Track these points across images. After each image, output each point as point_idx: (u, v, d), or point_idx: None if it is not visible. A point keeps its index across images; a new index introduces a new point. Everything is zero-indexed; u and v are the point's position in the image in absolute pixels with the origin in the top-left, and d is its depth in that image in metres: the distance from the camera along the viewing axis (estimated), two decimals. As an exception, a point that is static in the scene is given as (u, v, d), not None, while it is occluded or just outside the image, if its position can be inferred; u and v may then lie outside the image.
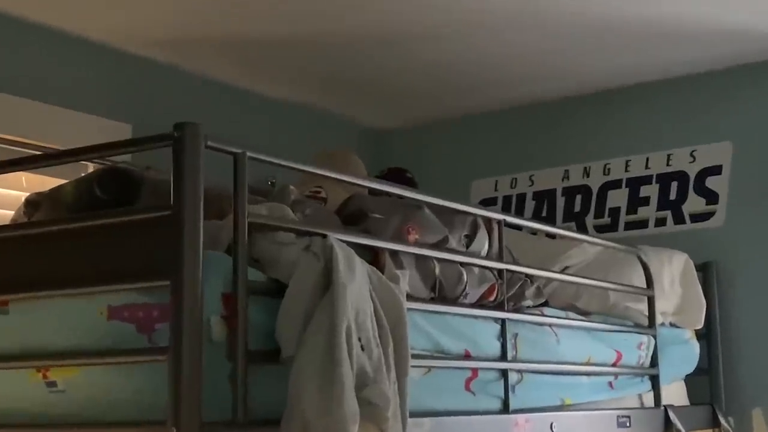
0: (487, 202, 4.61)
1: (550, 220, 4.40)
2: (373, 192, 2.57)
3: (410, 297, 2.22)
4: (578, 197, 4.39)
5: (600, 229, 4.30)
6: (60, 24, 3.46)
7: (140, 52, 3.72)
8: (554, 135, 4.50)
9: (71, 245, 1.87)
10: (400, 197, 2.37)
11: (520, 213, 4.50)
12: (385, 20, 3.54)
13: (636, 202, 4.24)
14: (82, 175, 2.51)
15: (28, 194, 2.45)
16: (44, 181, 3.11)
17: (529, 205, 4.52)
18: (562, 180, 4.44)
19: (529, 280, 2.71)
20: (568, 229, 4.23)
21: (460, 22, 3.56)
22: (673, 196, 4.16)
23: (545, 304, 3.21)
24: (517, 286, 2.64)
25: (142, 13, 3.41)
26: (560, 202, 4.43)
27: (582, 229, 4.33)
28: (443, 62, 3.98)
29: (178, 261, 1.68)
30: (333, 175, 2.14)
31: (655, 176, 4.22)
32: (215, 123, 3.92)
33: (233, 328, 1.77)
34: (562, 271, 3.66)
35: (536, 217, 4.45)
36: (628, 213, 4.26)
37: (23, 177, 3.35)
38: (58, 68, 3.51)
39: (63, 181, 2.42)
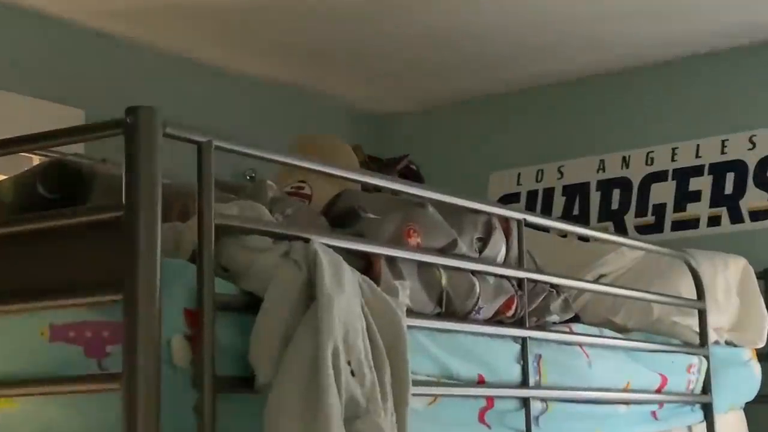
0: (508, 199, 4.62)
1: (583, 220, 4.41)
2: (367, 188, 2.57)
3: (411, 312, 2.21)
4: (616, 192, 4.39)
5: (642, 230, 4.31)
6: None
7: (93, 23, 3.73)
8: (587, 118, 4.50)
9: (5, 253, 1.86)
10: (398, 193, 2.36)
11: (547, 210, 4.51)
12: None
13: (685, 197, 4.25)
14: (24, 169, 2.50)
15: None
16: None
17: (558, 201, 4.52)
18: (597, 171, 4.44)
19: (555, 291, 2.70)
20: (604, 230, 4.23)
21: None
22: (729, 189, 4.16)
23: (575, 319, 3.21)
24: (540, 299, 2.63)
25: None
26: (595, 197, 4.44)
27: (621, 229, 4.34)
28: (453, 31, 3.98)
29: (132, 271, 1.67)
30: (318, 168, 2.13)
31: (707, 166, 4.22)
32: (182, 106, 4.02)
33: (198, 350, 1.77)
34: (596, 281, 3.66)
35: (565, 216, 4.46)
36: (675, 210, 4.26)
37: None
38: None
39: (1, 177, 2.42)
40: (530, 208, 4.56)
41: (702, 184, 4.22)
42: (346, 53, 4.21)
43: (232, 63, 4.21)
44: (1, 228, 1.91)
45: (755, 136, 4.15)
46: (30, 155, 2.96)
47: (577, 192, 4.48)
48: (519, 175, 4.63)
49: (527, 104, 4.65)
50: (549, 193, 4.55)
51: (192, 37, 3.95)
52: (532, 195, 4.59)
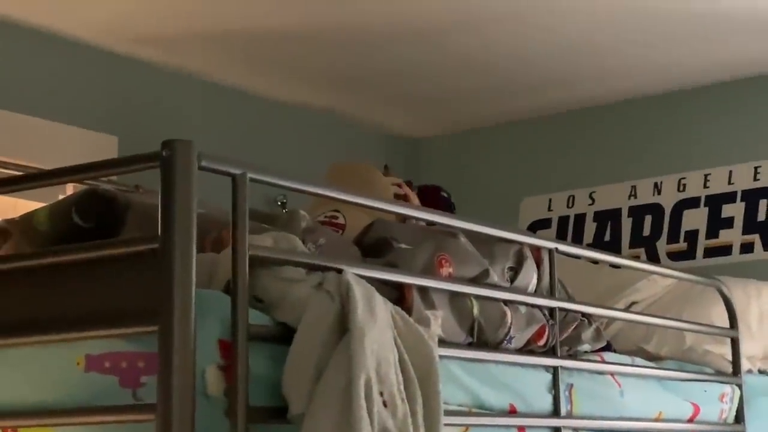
0: (540, 224, 4.62)
1: (614, 246, 4.41)
2: (401, 217, 2.59)
3: (443, 342, 2.23)
4: (648, 218, 4.39)
5: (674, 257, 4.30)
6: (31, 18, 3.51)
7: (126, 50, 3.77)
8: (619, 144, 4.50)
9: (42, 284, 1.89)
10: (432, 223, 2.38)
11: (578, 237, 4.51)
12: (414, 9, 3.57)
13: (717, 224, 4.24)
14: (60, 198, 2.53)
15: (-1, 222, 2.49)
16: (18, 205, 3.16)
17: (589, 227, 4.52)
18: (629, 198, 4.45)
19: (586, 320, 2.71)
20: (636, 257, 4.23)
21: (504, 10, 3.59)
22: (761, 216, 4.16)
23: (607, 347, 3.21)
24: (571, 328, 2.64)
25: (127, 5, 3.46)
26: (626, 224, 4.44)
27: (652, 256, 4.34)
28: (485, 57, 4.01)
29: (167, 302, 1.70)
30: (350, 198, 2.16)
31: (740, 193, 4.22)
32: (216, 133, 4.06)
33: (232, 380, 1.79)
34: (627, 309, 3.67)
35: (597, 242, 4.45)
36: (707, 237, 4.26)
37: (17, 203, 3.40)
38: (29, 71, 3.56)
39: (39, 205, 2.46)
40: (561, 234, 4.57)
41: (734, 210, 4.21)
42: (379, 79, 4.24)
43: (265, 89, 4.25)
44: (40, 259, 1.94)
45: (788, 162, 4.15)
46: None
47: (608, 218, 4.49)
48: (550, 200, 4.63)
49: (559, 130, 4.66)
50: (580, 219, 4.55)
51: (225, 64, 3.99)
52: (563, 221, 4.59)
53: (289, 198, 4.20)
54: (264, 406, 1.86)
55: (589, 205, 4.53)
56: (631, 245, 4.41)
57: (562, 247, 2.64)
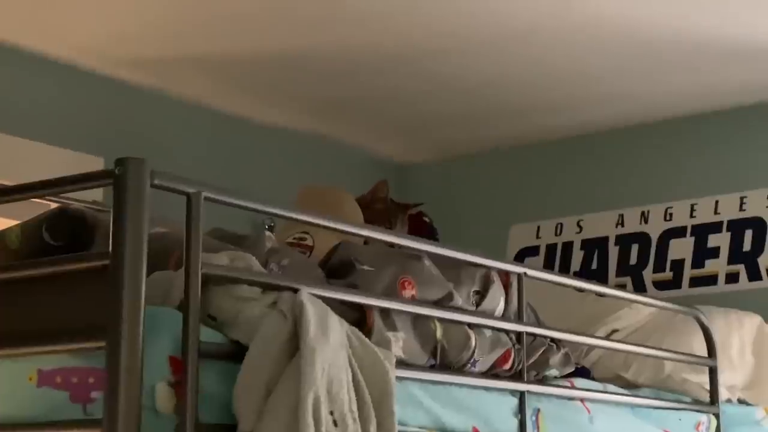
0: (528, 252, 4.64)
1: (601, 274, 4.42)
2: (371, 239, 2.60)
3: (404, 364, 2.25)
4: (635, 247, 4.40)
5: (660, 286, 4.31)
6: (17, 39, 3.54)
7: (114, 72, 3.80)
8: (607, 172, 4.52)
9: (-4, 299, 1.92)
10: (395, 246, 2.40)
11: (566, 264, 4.52)
12: (399, 35, 3.60)
13: (703, 253, 4.25)
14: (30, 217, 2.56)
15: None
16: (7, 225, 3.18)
17: (577, 255, 4.53)
18: (616, 226, 4.46)
19: (555, 345, 2.72)
20: (620, 286, 4.25)
21: (491, 36, 3.61)
22: (747, 247, 4.16)
23: (586, 373, 3.22)
24: (539, 353, 2.65)
25: (114, 28, 3.50)
26: (613, 252, 4.45)
27: (639, 285, 4.34)
28: (472, 83, 4.03)
29: (115, 319, 1.72)
30: (312, 220, 2.18)
31: (726, 223, 4.23)
32: (203, 157, 4.08)
33: (182, 397, 1.81)
34: (608, 335, 3.67)
35: (585, 270, 4.46)
36: (693, 267, 4.26)
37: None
38: (15, 91, 3.60)
39: (14, 222, 2.48)
40: (549, 261, 4.58)
41: (720, 240, 4.22)
42: (365, 104, 4.26)
43: (252, 113, 4.27)
44: (-6, 274, 1.96)
45: (774, 193, 4.16)
46: (41, 201, 3.03)
47: (595, 246, 4.49)
48: (538, 228, 4.65)
49: (547, 157, 4.67)
50: (568, 246, 4.56)
51: (212, 88, 4.02)
52: (551, 248, 4.60)
53: (277, 222, 4.22)
54: (214, 423, 1.87)
55: (577, 233, 4.55)
56: (618, 274, 4.42)
57: (531, 272, 2.65)
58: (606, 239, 4.47)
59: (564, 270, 4.52)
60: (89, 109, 3.79)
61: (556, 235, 4.60)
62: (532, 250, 4.64)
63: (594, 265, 4.48)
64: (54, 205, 2.55)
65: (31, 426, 1.84)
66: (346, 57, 3.80)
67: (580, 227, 4.54)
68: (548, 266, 4.56)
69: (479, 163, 4.82)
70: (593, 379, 3.35)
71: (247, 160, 4.29)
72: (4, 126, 3.52)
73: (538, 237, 4.64)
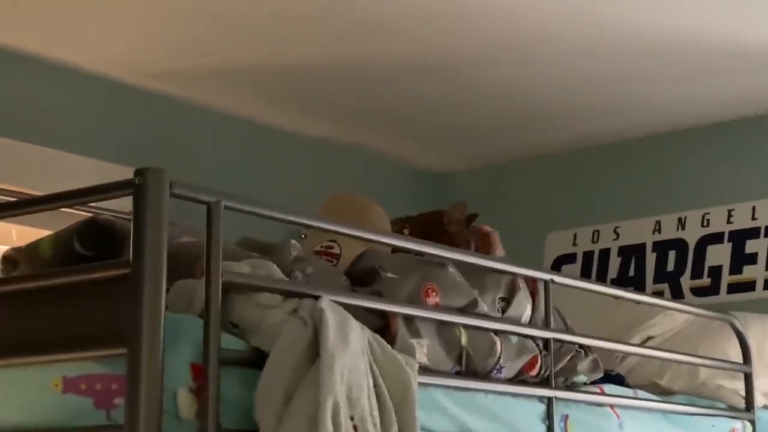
0: (565, 260, 4.63)
1: (639, 280, 4.40)
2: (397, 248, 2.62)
3: (429, 371, 2.26)
4: (672, 254, 4.38)
5: (698, 292, 4.29)
6: (51, 53, 3.60)
7: (144, 83, 3.85)
8: (643, 179, 4.51)
9: (23, 306, 1.95)
10: (422, 254, 2.41)
11: (603, 272, 4.51)
12: (432, 45, 3.62)
13: (741, 259, 4.23)
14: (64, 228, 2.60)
15: (5, 249, 2.56)
16: (36, 234, 3.23)
17: (614, 262, 4.52)
18: (653, 233, 4.44)
19: (583, 352, 2.72)
20: (657, 293, 4.24)
21: (525, 44, 3.63)
22: (785, 252, 4.14)
23: (619, 381, 3.21)
24: (567, 359, 2.65)
25: (145, 40, 3.54)
26: (650, 259, 4.43)
27: (676, 292, 4.32)
28: (509, 91, 4.04)
29: (136, 326, 1.75)
30: (335, 229, 2.21)
31: (763, 228, 4.20)
32: (235, 168, 4.11)
33: (203, 403, 1.83)
34: (643, 342, 3.66)
35: (622, 277, 4.45)
36: (731, 273, 4.24)
37: (13, 230, 3.48)
38: (46, 103, 3.65)
39: (40, 232, 2.53)
40: (586, 269, 4.57)
41: (758, 246, 4.19)
42: (401, 113, 4.28)
43: (285, 123, 4.30)
44: (16, 284, 2.00)
45: (812, 197, 4.13)
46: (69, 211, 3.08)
47: (632, 253, 4.48)
48: (575, 235, 4.64)
49: (584, 164, 4.67)
50: (605, 254, 4.55)
51: (244, 99, 4.06)
52: (587, 256, 4.59)
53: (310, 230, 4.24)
54: (235, 429, 1.90)
55: (614, 240, 4.53)
56: (656, 281, 4.40)
57: (558, 279, 2.65)
58: (643, 246, 4.46)
59: (601, 277, 4.52)
60: (121, 121, 3.83)
61: (593, 242, 4.59)
62: (569, 258, 4.63)
63: (631, 272, 4.46)
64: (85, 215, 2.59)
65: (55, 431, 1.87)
66: (380, 66, 3.82)
67: (617, 234, 4.53)
68: (585, 273, 4.55)
69: (515, 171, 4.82)
70: (627, 386, 3.35)
71: (280, 171, 4.32)
72: (36, 137, 3.57)
73: (574, 244, 4.64)
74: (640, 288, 4.39)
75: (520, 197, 4.80)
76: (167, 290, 1.91)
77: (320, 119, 4.29)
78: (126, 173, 3.77)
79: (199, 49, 3.62)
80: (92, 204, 3.06)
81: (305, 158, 4.44)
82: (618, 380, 3.28)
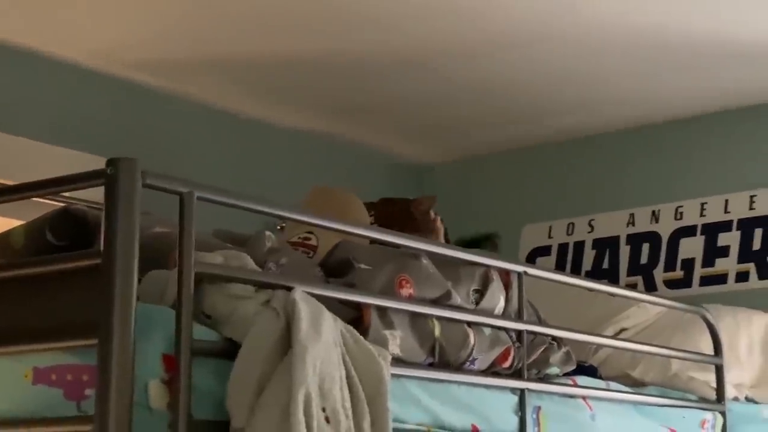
0: (540, 252, 4.62)
1: (613, 273, 4.40)
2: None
3: (402, 362, 2.24)
4: (645, 246, 4.38)
5: (671, 285, 4.29)
6: (24, 42, 3.56)
7: (124, 74, 3.81)
8: (618, 172, 4.50)
9: (-8, 297, 1.93)
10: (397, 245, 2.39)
11: (577, 264, 4.51)
12: (414, 39, 3.61)
13: (713, 252, 4.23)
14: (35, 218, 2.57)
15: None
16: (6, 225, 3.20)
17: (589, 254, 4.52)
18: (627, 225, 4.44)
19: (556, 344, 2.71)
20: (630, 285, 4.24)
21: (504, 40, 3.62)
22: (757, 245, 4.14)
23: (593, 371, 3.21)
24: (540, 351, 2.64)
25: (124, 31, 3.51)
26: (624, 251, 4.43)
27: (650, 284, 4.32)
28: (485, 86, 4.03)
29: (107, 316, 1.73)
30: (309, 220, 2.19)
31: (735, 222, 4.20)
32: (215, 158, 4.08)
33: (174, 394, 1.81)
34: (617, 334, 3.66)
35: (597, 269, 4.44)
36: (704, 266, 4.24)
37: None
38: (22, 92, 3.61)
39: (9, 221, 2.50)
40: (561, 261, 4.56)
41: (730, 239, 4.20)
42: (381, 107, 4.26)
43: (265, 115, 4.27)
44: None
45: (784, 191, 4.13)
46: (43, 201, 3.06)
47: (607, 246, 4.48)
48: (550, 228, 4.63)
49: (559, 157, 4.66)
50: (579, 246, 4.54)
51: (225, 90, 4.03)
52: (563, 248, 4.58)
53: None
54: (207, 420, 1.88)
55: (589, 232, 4.53)
56: (629, 273, 4.40)
57: (531, 271, 2.64)
58: (617, 239, 4.45)
59: (576, 269, 4.51)
60: (95, 110, 3.80)
61: (567, 234, 4.58)
62: (544, 250, 4.62)
63: (605, 265, 4.46)
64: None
65: (25, 422, 1.84)
66: (361, 60, 3.80)
67: (592, 227, 4.52)
68: (560, 266, 4.54)
69: (493, 163, 4.81)
70: (600, 377, 3.34)
71: (260, 163, 4.30)
72: (10, 127, 3.53)
73: (550, 237, 4.63)
74: (613, 280, 4.39)
75: (497, 189, 4.79)
76: (140, 280, 1.89)
77: (301, 111, 4.27)
78: (99, 163, 3.76)
79: (178, 40, 3.59)
80: (65, 194, 3.06)
81: (286, 150, 4.41)
82: (591, 371, 3.28)
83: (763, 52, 3.69)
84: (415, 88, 4.05)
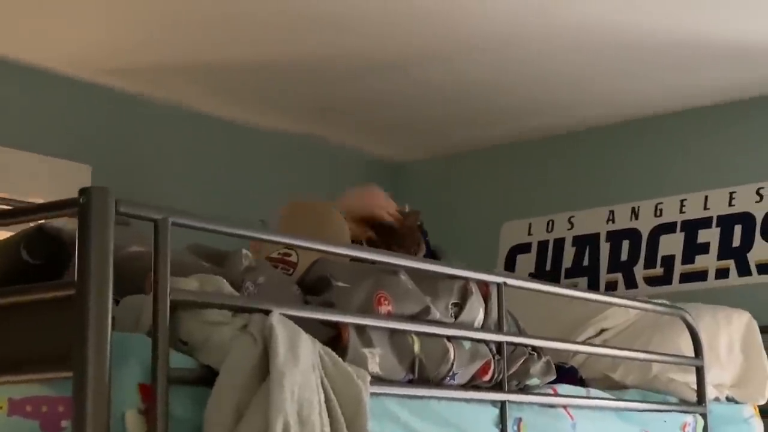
0: (520, 249, 4.62)
1: (593, 270, 4.40)
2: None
3: (381, 380, 2.23)
4: (625, 243, 4.38)
5: (651, 282, 4.29)
6: (8, 52, 3.54)
7: (99, 80, 3.78)
8: (597, 169, 4.50)
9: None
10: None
11: (557, 261, 4.50)
12: (388, 42, 3.59)
13: (693, 249, 4.23)
14: (10, 235, 2.54)
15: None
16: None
17: (569, 252, 4.51)
18: (607, 222, 4.44)
19: (536, 354, 2.69)
20: (612, 282, 4.23)
21: (481, 41, 3.62)
22: (736, 242, 4.14)
23: (572, 373, 3.20)
24: (519, 362, 2.62)
25: (101, 37, 3.48)
26: (604, 248, 4.43)
27: (630, 281, 4.32)
28: (464, 86, 4.03)
29: (81, 348, 1.70)
30: (283, 240, 2.17)
31: (715, 218, 4.20)
32: (194, 162, 4.06)
33: (152, 424, 1.79)
34: (598, 334, 3.64)
35: (577, 266, 4.44)
36: (683, 262, 4.24)
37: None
38: (6, 103, 3.58)
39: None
40: (541, 258, 4.56)
41: (710, 236, 4.20)
42: (357, 107, 4.25)
43: (241, 118, 4.26)
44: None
45: (763, 188, 4.12)
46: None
47: (587, 243, 4.47)
48: (530, 225, 4.62)
49: (539, 155, 4.65)
50: (559, 243, 4.54)
51: (200, 94, 4.01)
52: (542, 245, 4.58)
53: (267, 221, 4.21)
54: (185, 449, 1.86)
55: (569, 229, 4.52)
56: (609, 270, 4.40)
57: (510, 281, 2.62)
58: (597, 236, 4.45)
59: (556, 266, 4.51)
60: (75, 118, 3.77)
61: (547, 231, 4.58)
62: (524, 247, 4.62)
63: (585, 262, 4.46)
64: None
65: (0, 455, 1.83)
66: (339, 64, 3.80)
67: (572, 224, 4.52)
68: (540, 263, 4.54)
69: (471, 161, 4.80)
70: (581, 378, 3.34)
71: (239, 163, 4.28)
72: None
73: (529, 234, 4.62)
74: (593, 277, 4.39)
75: (476, 187, 4.78)
76: (117, 301, 1.87)
77: (279, 114, 4.27)
78: (81, 170, 3.75)
79: (155, 47, 3.56)
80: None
81: (264, 150, 4.40)
82: (571, 372, 3.28)
83: (743, 51, 3.69)
84: (391, 89, 4.03)
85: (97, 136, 3.79)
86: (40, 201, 3.50)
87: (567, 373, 3.18)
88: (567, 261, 4.50)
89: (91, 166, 3.67)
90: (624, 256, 4.37)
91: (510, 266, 4.61)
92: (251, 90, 3.99)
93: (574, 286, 4.25)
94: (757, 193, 4.13)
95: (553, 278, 4.46)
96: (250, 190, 4.08)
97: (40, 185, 3.55)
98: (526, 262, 4.56)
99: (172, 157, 4.00)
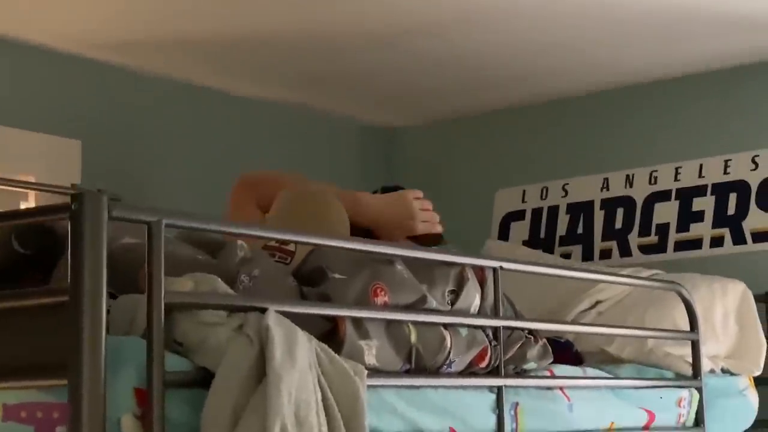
0: (514, 216, 4.60)
1: (587, 237, 4.39)
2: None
3: (378, 372, 2.22)
4: (620, 211, 4.36)
5: (646, 250, 4.28)
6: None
7: (89, 54, 3.74)
8: (592, 136, 4.47)
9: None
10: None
11: (551, 229, 4.49)
12: (380, 14, 3.56)
13: (688, 217, 4.22)
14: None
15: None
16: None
17: (563, 219, 4.50)
18: (601, 190, 4.42)
19: (532, 338, 2.68)
20: (606, 250, 4.23)
21: (473, 11, 3.57)
22: (731, 210, 4.13)
23: (568, 347, 3.20)
24: (516, 347, 2.62)
25: (97, 11, 3.42)
26: (599, 216, 4.41)
27: (624, 249, 4.31)
28: (457, 55, 4.00)
29: (76, 356, 1.69)
30: (279, 236, 2.15)
31: (710, 186, 4.19)
32: (186, 133, 4.03)
33: (148, 428, 1.78)
34: (593, 306, 3.64)
35: (571, 234, 4.43)
36: (678, 231, 4.23)
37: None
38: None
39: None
40: (535, 225, 4.54)
41: (705, 204, 4.18)
42: (351, 77, 4.21)
43: (238, 88, 4.23)
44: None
45: (758, 156, 4.10)
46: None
47: (581, 210, 4.46)
48: (524, 192, 4.60)
49: (532, 121, 4.62)
50: (553, 211, 4.52)
51: (192, 66, 3.97)
52: (536, 213, 4.56)
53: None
54: (183, 452, 1.85)
55: (563, 197, 4.51)
56: (604, 238, 4.38)
57: (506, 265, 2.60)
58: (591, 203, 4.44)
59: (550, 234, 4.50)
60: (63, 92, 3.73)
61: (541, 199, 4.56)
62: (518, 215, 4.60)
63: (580, 230, 4.44)
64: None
65: (-5, 462, 1.82)
66: (332, 36, 3.76)
67: (566, 191, 4.50)
68: (534, 230, 4.53)
69: (465, 127, 4.77)
70: (577, 352, 3.34)
71: (236, 135, 4.25)
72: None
73: (523, 201, 4.61)
74: (588, 245, 4.38)
75: (469, 154, 4.75)
76: (111, 295, 1.86)
77: (273, 85, 4.24)
78: (71, 145, 3.71)
79: (145, 19, 3.51)
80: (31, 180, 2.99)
81: (258, 121, 4.37)
82: (567, 346, 3.28)
83: (739, 18, 3.66)
84: (385, 59, 4.01)
85: (87, 111, 3.75)
86: (29, 178, 3.50)
87: (562, 348, 3.18)
88: (561, 229, 4.48)
89: (81, 141, 3.64)
90: (618, 224, 4.36)
91: (504, 234, 4.59)
92: (245, 62, 3.96)
93: (569, 262, 4.23)
94: (753, 161, 4.11)
95: (547, 246, 4.45)
96: (245, 159, 4.05)
97: (29, 161, 3.52)
98: (520, 229, 4.54)
99: (163, 130, 3.97)
